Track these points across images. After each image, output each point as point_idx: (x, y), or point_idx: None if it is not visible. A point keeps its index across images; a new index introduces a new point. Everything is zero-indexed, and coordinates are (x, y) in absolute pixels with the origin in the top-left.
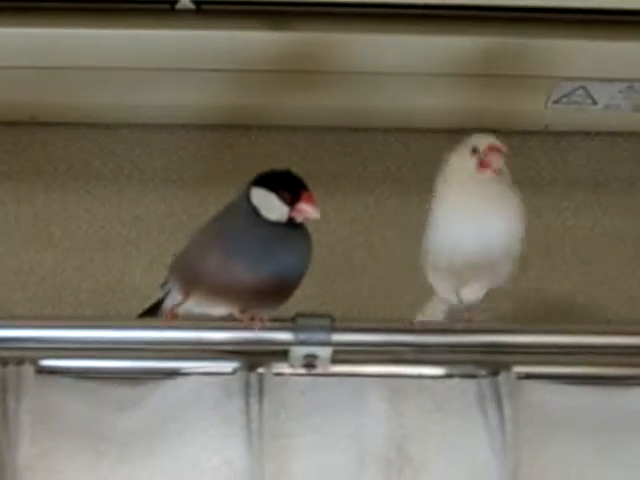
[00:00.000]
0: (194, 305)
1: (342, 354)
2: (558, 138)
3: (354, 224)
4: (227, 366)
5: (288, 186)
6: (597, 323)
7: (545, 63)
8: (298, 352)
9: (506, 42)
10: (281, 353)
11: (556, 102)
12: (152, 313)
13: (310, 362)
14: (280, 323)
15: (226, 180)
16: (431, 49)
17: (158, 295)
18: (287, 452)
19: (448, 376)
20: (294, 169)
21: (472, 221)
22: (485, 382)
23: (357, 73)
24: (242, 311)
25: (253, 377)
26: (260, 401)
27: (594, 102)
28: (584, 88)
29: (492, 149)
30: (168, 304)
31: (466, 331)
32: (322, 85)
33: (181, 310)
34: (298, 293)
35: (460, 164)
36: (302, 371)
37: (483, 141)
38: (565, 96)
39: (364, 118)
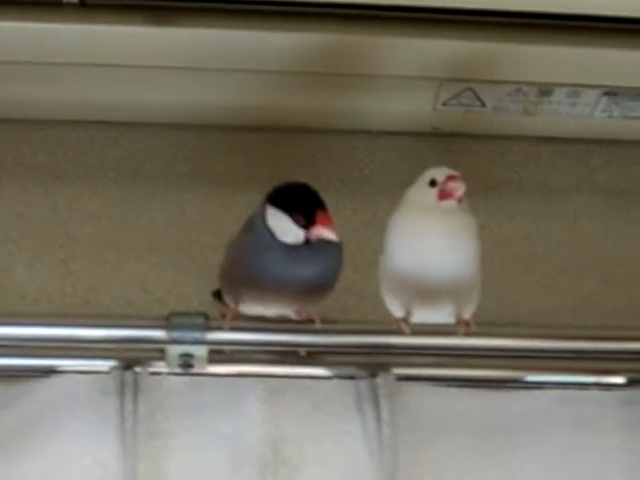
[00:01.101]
0: (247, 309)
1: (222, 353)
2: (447, 140)
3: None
4: (106, 365)
5: (302, 207)
6: (479, 325)
7: (432, 64)
8: (174, 351)
9: (393, 42)
10: (159, 352)
11: (445, 104)
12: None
13: (186, 361)
14: (154, 321)
15: (108, 176)
16: (318, 48)
17: None
18: (162, 453)
19: (327, 377)
20: (178, 169)
21: (436, 249)
22: (363, 384)
23: (241, 70)
24: (297, 312)
25: (128, 376)
26: (135, 401)
27: (483, 104)
28: (472, 90)
29: (452, 179)
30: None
31: (346, 332)
32: (204, 81)
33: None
34: (187, 292)
35: (420, 197)
36: (179, 371)
37: (441, 173)
38: (453, 98)
39: (248, 116)
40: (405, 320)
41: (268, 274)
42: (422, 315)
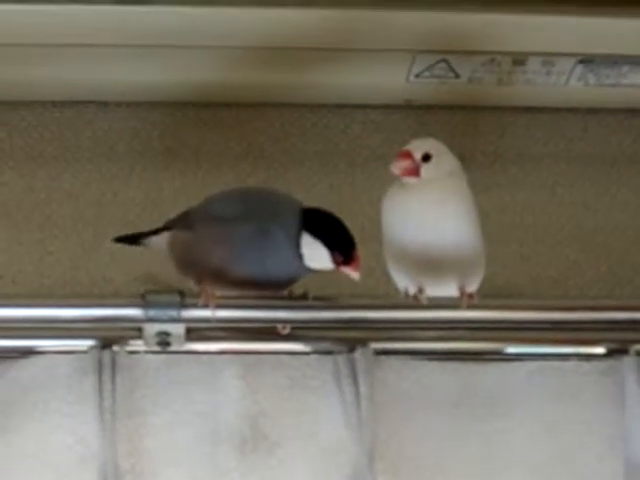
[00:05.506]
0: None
1: (199, 331)
2: (421, 112)
3: None
4: (84, 344)
5: (343, 246)
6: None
7: (405, 36)
8: (150, 329)
9: (366, 15)
10: (137, 331)
11: (417, 76)
12: (131, 241)
13: (164, 339)
14: (130, 300)
15: (84, 156)
16: (285, 23)
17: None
18: (141, 430)
19: (305, 352)
20: (153, 146)
21: (408, 226)
22: (341, 358)
23: (214, 47)
24: None
25: (106, 355)
26: (113, 379)
27: (457, 75)
28: (445, 61)
29: (397, 156)
30: (154, 242)
31: (323, 307)
32: (176, 59)
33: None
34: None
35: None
36: (157, 349)
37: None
38: (427, 69)
39: (222, 92)
40: (420, 292)
41: (260, 277)
42: (430, 290)
